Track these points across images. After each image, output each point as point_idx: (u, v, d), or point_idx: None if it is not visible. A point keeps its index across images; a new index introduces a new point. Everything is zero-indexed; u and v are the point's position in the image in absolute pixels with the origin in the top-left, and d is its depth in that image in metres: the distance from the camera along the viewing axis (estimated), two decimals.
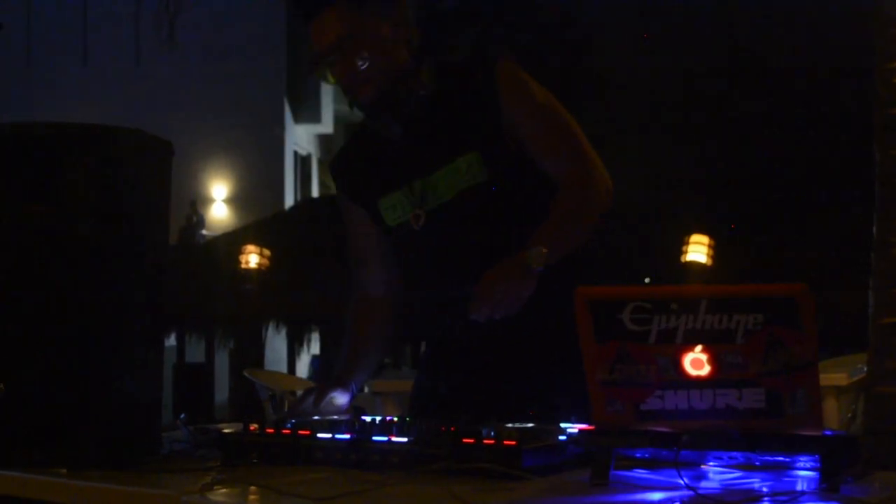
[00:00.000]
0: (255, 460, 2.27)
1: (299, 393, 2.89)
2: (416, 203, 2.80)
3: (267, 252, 12.17)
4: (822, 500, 1.80)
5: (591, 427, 2.01)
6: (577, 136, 2.80)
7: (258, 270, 11.96)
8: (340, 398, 2.73)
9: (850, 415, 5.24)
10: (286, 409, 2.85)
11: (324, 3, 2.73)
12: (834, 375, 5.27)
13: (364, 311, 2.98)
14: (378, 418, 2.42)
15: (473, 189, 2.74)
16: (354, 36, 2.72)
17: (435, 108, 2.78)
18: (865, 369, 4.56)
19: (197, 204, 21.41)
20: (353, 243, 3.01)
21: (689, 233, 11.14)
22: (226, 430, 2.42)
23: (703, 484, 1.95)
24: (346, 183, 3.00)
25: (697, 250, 11.07)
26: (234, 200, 22.86)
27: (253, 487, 2.09)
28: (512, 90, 2.76)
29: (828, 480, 1.85)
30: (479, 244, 2.76)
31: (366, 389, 6.15)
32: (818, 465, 1.88)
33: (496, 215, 2.76)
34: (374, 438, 2.17)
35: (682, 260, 11.01)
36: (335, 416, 2.58)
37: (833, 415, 5.24)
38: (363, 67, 2.72)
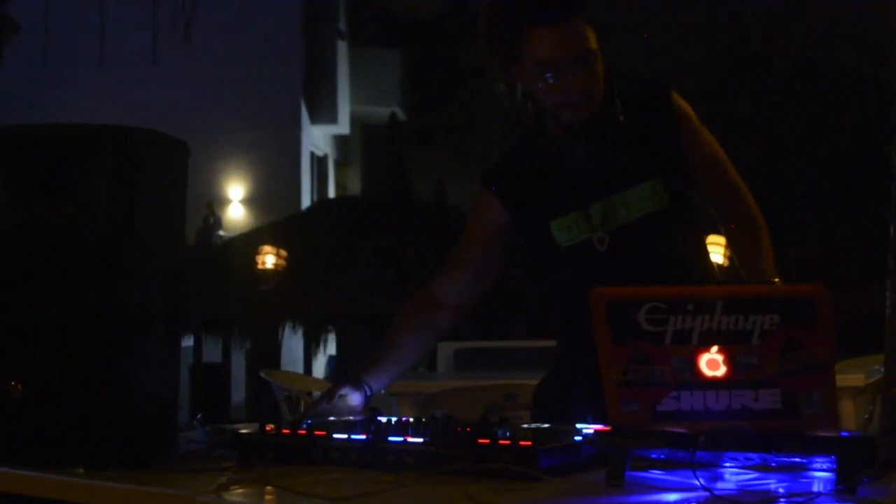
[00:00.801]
0: (270, 460, 2.27)
1: (315, 393, 2.90)
2: (596, 225, 2.81)
3: (283, 252, 12.19)
4: (838, 502, 1.79)
5: (608, 428, 2.00)
6: (736, 174, 2.94)
7: (275, 271, 11.98)
8: (353, 398, 2.73)
9: (867, 416, 5.22)
10: (301, 410, 2.86)
11: (573, 10, 2.68)
12: (851, 376, 5.25)
13: (415, 316, 2.95)
14: (394, 419, 2.42)
15: (657, 214, 2.79)
16: (594, 52, 2.70)
17: (621, 134, 2.79)
18: (882, 370, 4.54)
19: (214, 205, 21.46)
20: (464, 243, 2.97)
21: (706, 233, 11.12)
22: (242, 431, 2.43)
23: (719, 485, 1.94)
24: (512, 197, 2.93)
25: (714, 251, 11.04)
26: (251, 201, 22.90)
27: (269, 487, 2.09)
28: (687, 121, 2.86)
29: (844, 481, 1.84)
30: (656, 266, 2.80)
31: (382, 390, 6.15)
32: (835, 466, 1.88)
33: (674, 239, 2.85)
34: (390, 439, 2.17)
35: None
36: (350, 417, 2.58)
37: (850, 416, 5.22)
38: (588, 85, 2.70)
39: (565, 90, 2.69)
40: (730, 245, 2.94)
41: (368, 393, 2.78)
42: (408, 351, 2.94)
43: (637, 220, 2.79)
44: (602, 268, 2.83)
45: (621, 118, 2.77)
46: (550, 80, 2.69)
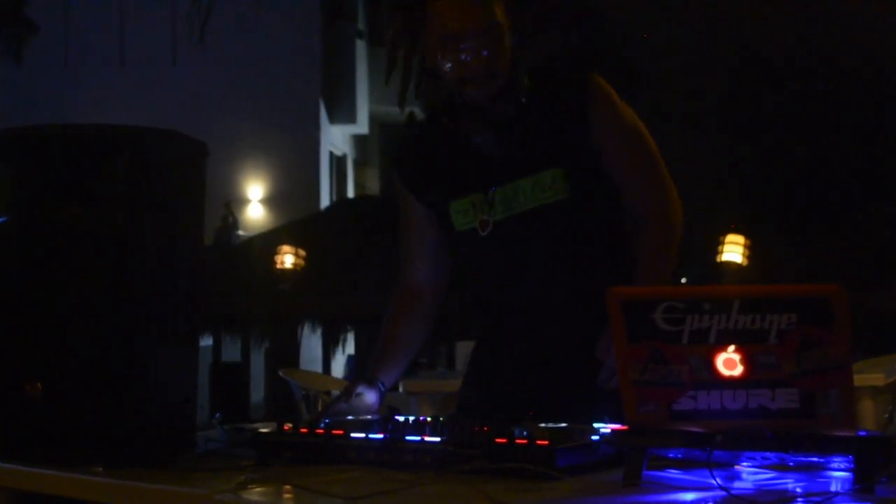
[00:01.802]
0: (288, 459, 2.28)
1: (334, 393, 2.91)
2: (485, 210, 2.74)
3: (302, 252, 12.19)
4: (856, 501, 1.79)
5: (625, 427, 2.01)
6: (659, 165, 2.77)
7: (293, 271, 11.98)
8: (368, 396, 2.73)
9: (886, 415, 5.21)
10: (319, 409, 2.87)
11: None
12: (870, 376, 5.25)
13: (403, 307, 2.95)
14: (411, 418, 2.42)
15: (554, 205, 2.69)
16: (500, 25, 2.60)
17: (526, 116, 2.70)
18: None
19: (233, 205, 21.50)
20: (405, 235, 2.95)
21: (725, 232, 11.08)
22: (260, 430, 2.43)
23: (736, 484, 1.94)
24: (411, 179, 2.90)
25: (733, 250, 11.01)
26: (270, 201, 22.94)
27: (287, 486, 2.10)
28: (602, 107, 2.70)
29: (862, 481, 1.84)
30: (546, 259, 2.74)
31: (400, 389, 6.16)
32: (852, 465, 1.87)
33: (570, 233, 2.73)
34: (407, 438, 2.18)
35: (717, 260, 10.95)
36: (368, 416, 2.59)
37: (869, 415, 5.21)
38: (492, 61, 2.61)
39: (467, 65, 2.61)
40: (632, 240, 2.74)
41: (382, 389, 2.79)
42: (406, 341, 2.94)
43: (534, 210, 2.70)
44: (482, 254, 2.79)
45: (523, 100, 2.67)
46: (452, 55, 2.60)
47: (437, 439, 2.15)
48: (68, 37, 18.46)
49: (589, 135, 2.69)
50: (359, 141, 26.61)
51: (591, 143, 2.70)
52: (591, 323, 2.52)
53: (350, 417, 2.56)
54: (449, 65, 2.62)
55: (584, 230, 2.74)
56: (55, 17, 18.44)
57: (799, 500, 1.81)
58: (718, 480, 1.87)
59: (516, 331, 2.80)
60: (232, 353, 10.81)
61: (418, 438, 2.16)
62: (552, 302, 2.74)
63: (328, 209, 21.45)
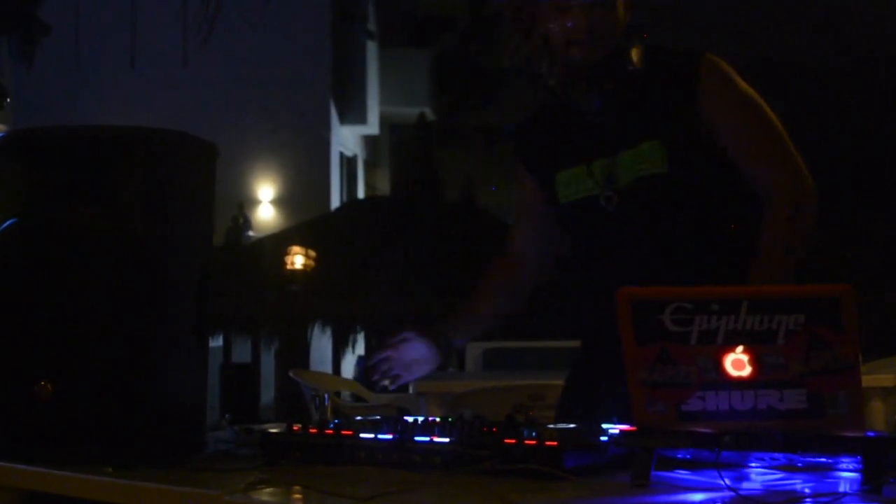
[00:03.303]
0: (298, 459, 2.29)
1: (344, 394, 2.91)
2: (597, 182, 2.74)
3: (312, 253, 12.21)
4: (864, 502, 1.79)
5: (633, 428, 2.01)
6: (783, 139, 2.70)
7: (304, 271, 12.00)
8: (416, 346, 2.72)
9: None
10: (329, 410, 2.87)
11: None
12: (880, 376, 5.23)
13: (496, 271, 3.01)
14: (420, 418, 2.43)
15: (650, 178, 2.68)
16: None
17: (631, 87, 2.71)
18: None
19: (243, 205, 21.51)
20: (517, 206, 3.02)
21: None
22: (270, 430, 2.44)
23: (745, 485, 1.94)
24: (525, 150, 2.96)
25: None
26: (281, 202, 22.95)
27: (296, 487, 2.10)
28: (714, 84, 2.68)
29: (870, 482, 1.84)
30: (649, 237, 2.71)
31: (410, 389, 6.16)
32: (861, 466, 1.87)
33: (670, 209, 2.70)
34: (417, 438, 2.18)
35: None
36: (377, 416, 2.59)
37: (879, 416, 5.20)
38: (597, 27, 2.64)
39: (575, 27, 2.64)
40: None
41: (447, 343, 2.80)
42: (489, 304, 2.98)
43: (633, 183, 2.70)
44: (607, 231, 2.77)
45: (630, 68, 2.68)
46: (561, 19, 2.65)
47: (447, 440, 2.15)
48: (79, 38, 18.47)
49: (697, 111, 2.67)
50: (369, 142, 26.61)
51: (701, 120, 2.67)
52: None
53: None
54: (557, 29, 2.66)
55: (684, 206, 2.70)
56: (66, 19, 18.45)
57: (807, 500, 1.81)
58: (727, 481, 1.87)
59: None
60: (242, 353, 10.83)
61: (427, 439, 2.17)
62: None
63: (338, 210, 21.45)
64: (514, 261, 3.00)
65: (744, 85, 2.72)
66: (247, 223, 21.44)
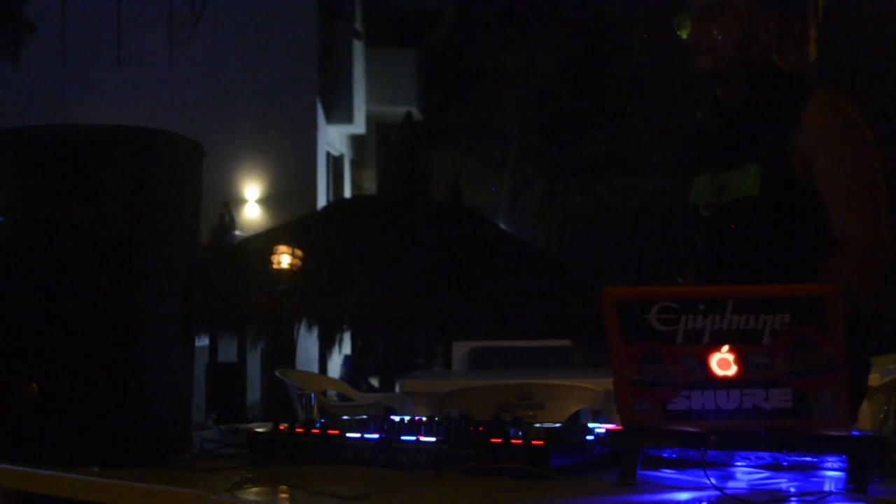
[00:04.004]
0: (284, 459, 2.28)
1: (330, 393, 2.90)
2: (714, 192, 2.82)
3: (299, 252, 12.19)
4: (849, 501, 1.80)
5: (619, 427, 2.01)
6: (873, 191, 2.68)
7: (290, 271, 11.98)
8: None
9: (881, 415, 5.21)
10: (315, 410, 2.86)
11: None
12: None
13: None
14: (407, 418, 2.43)
15: (743, 200, 2.73)
16: (724, 5, 2.76)
17: (747, 108, 2.79)
18: None
19: (230, 205, 21.47)
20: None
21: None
22: (256, 430, 2.44)
23: (731, 484, 1.95)
24: (685, 149, 3.06)
25: None
26: (267, 201, 22.91)
27: (283, 486, 2.10)
28: (818, 118, 2.68)
29: (855, 480, 1.85)
30: (734, 254, 2.78)
31: (396, 389, 6.15)
32: (846, 465, 1.88)
33: (755, 231, 2.73)
34: (403, 438, 2.18)
35: None
36: (363, 416, 2.59)
37: (865, 415, 5.21)
38: (710, 37, 2.78)
39: (696, 36, 2.80)
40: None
41: None
42: None
43: (730, 203, 2.76)
44: (702, 237, 2.88)
45: (744, 84, 2.77)
46: (693, 28, 2.82)
47: (433, 439, 2.15)
48: (65, 36, 18.41)
49: (795, 137, 2.68)
50: (356, 141, 26.58)
51: (801, 149, 2.68)
52: None
53: (346, 417, 2.56)
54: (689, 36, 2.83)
55: (770, 231, 2.71)
56: (52, 17, 18.39)
57: (793, 499, 1.81)
58: (713, 480, 1.88)
59: None
60: (228, 353, 10.79)
61: (414, 438, 2.17)
62: None
63: (325, 209, 21.42)
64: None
65: (853, 124, 2.70)
66: (233, 222, 21.40)
